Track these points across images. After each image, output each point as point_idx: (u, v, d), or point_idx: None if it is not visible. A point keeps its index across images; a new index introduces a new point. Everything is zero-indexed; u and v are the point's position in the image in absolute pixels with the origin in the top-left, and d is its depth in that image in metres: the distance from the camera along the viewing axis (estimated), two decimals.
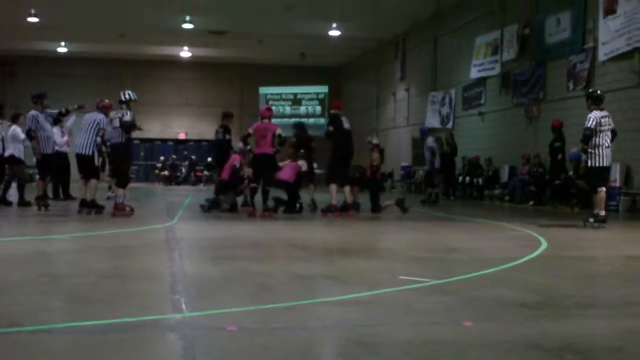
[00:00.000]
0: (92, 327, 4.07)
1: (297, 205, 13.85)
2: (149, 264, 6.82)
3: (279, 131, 12.93)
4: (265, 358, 3.54)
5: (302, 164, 14.21)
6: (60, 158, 15.12)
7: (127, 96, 12.31)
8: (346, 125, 13.53)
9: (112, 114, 12.51)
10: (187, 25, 27.84)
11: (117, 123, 12.12)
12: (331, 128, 13.35)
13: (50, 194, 15.57)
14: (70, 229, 10.46)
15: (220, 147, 14.52)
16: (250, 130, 13.09)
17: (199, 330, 4.10)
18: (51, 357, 3.54)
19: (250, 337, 3.92)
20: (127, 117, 12.04)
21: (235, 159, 13.56)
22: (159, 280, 5.84)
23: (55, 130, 15.03)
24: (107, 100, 12.93)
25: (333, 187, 13.29)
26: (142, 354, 3.61)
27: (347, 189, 13.51)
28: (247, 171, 13.58)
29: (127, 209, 12.14)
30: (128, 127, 12.08)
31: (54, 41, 32.73)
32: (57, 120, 14.78)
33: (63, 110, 14.04)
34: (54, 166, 14.24)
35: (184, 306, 4.73)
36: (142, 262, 6.99)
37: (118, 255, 7.59)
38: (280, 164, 14.52)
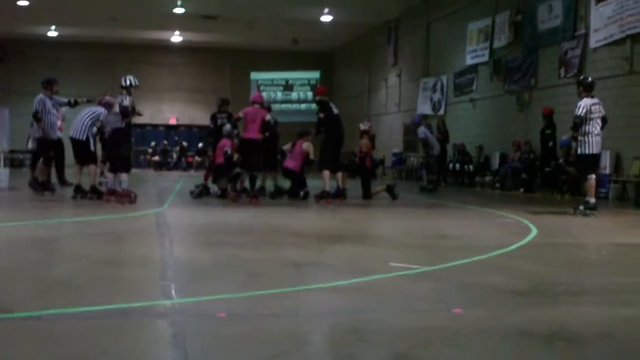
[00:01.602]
0: (82, 313, 4.06)
1: (302, 193, 13.83)
2: (139, 250, 6.81)
3: (268, 117, 13.08)
4: (254, 344, 3.53)
5: (308, 147, 14.20)
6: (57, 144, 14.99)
7: (127, 82, 12.17)
8: (335, 110, 13.60)
9: (112, 99, 12.43)
10: (179, 10, 27.68)
11: (117, 108, 12.02)
12: (322, 115, 13.37)
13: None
14: (61, 214, 10.43)
15: (220, 134, 14.16)
16: (241, 114, 13.15)
17: (188, 316, 4.09)
18: (41, 343, 3.53)
19: (240, 323, 3.92)
20: (126, 102, 11.95)
21: (225, 144, 13.50)
22: (149, 267, 5.84)
23: None
24: (108, 98, 12.92)
25: (326, 173, 13.31)
26: (131, 340, 3.60)
27: (339, 175, 13.50)
28: (236, 156, 13.54)
29: (132, 195, 12.03)
30: (126, 111, 11.96)
31: (45, 25, 32.47)
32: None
33: (72, 101, 13.81)
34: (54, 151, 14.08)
35: (173, 292, 4.73)
36: (133, 248, 6.99)
37: (108, 241, 7.57)
38: (284, 147, 14.61)
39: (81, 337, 3.63)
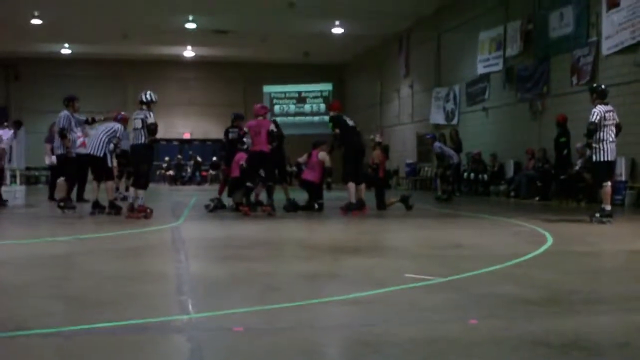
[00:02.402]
0: (99, 329, 4.08)
1: (317, 205, 13.84)
2: (155, 265, 6.84)
3: (272, 127, 13.12)
4: (270, 358, 3.55)
5: (324, 157, 14.23)
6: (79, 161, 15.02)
7: (148, 97, 12.16)
8: (350, 122, 13.63)
9: (127, 114, 12.54)
10: (190, 25, 27.88)
11: (138, 124, 11.97)
12: (337, 130, 13.41)
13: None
14: (76, 230, 10.47)
15: (233, 148, 14.25)
16: (245, 129, 13.38)
17: (205, 331, 4.11)
18: (59, 359, 3.55)
19: (257, 337, 3.94)
20: (151, 119, 11.96)
21: (241, 157, 13.56)
22: (165, 282, 5.86)
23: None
24: (124, 113, 13.09)
25: (351, 185, 13.34)
26: (149, 356, 3.62)
27: (362, 186, 13.52)
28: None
29: (148, 210, 12.11)
30: (154, 129, 11.99)
31: (58, 43, 32.77)
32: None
33: (89, 119, 13.83)
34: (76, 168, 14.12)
35: (190, 307, 4.75)
36: (149, 264, 7.01)
37: (124, 256, 7.61)
38: (300, 159, 14.66)
39: (99, 353, 3.65)
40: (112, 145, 12.86)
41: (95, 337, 3.95)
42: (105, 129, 13.02)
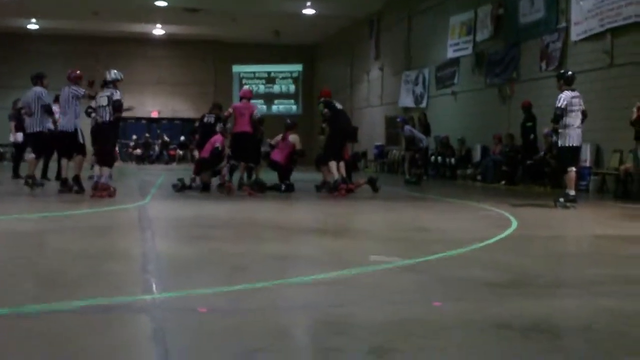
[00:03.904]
0: (63, 308, 4.05)
1: (283, 186, 13.88)
2: (120, 245, 6.80)
3: (256, 112, 13.82)
4: (235, 339, 3.54)
5: (295, 139, 14.38)
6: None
7: (113, 75, 12.03)
8: (339, 106, 14.04)
9: (100, 92, 12.22)
10: (161, 3, 27.59)
11: (104, 101, 11.79)
12: (326, 110, 13.77)
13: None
14: (43, 208, 10.35)
15: (207, 131, 14.51)
16: (230, 110, 13.93)
17: (169, 311, 4.09)
18: (23, 339, 3.51)
19: (221, 318, 3.93)
20: (117, 96, 11.83)
21: (217, 140, 13.59)
22: (130, 261, 5.83)
23: None
24: (78, 71, 12.81)
25: (332, 164, 13.43)
26: (112, 336, 3.59)
27: (341, 164, 13.58)
28: (227, 151, 13.74)
29: (111, 189, 11.97)
30: (120, 106, 11.85)
31: (25, 17, 32.21)
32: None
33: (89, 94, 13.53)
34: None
35: (155, 287, 4.73)
36: (114, 243, 6.96)
37: (89, 235, 7.53)
38: (272, 141, 14.80)
39: (61, 333, 3.61)
40: (78, 109, 12.52)
41: (59, 316, 3.91)
42: (67, 98, 12.50)
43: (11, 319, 3.87)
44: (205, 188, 13.60)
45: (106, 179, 11.95)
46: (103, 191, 11.71)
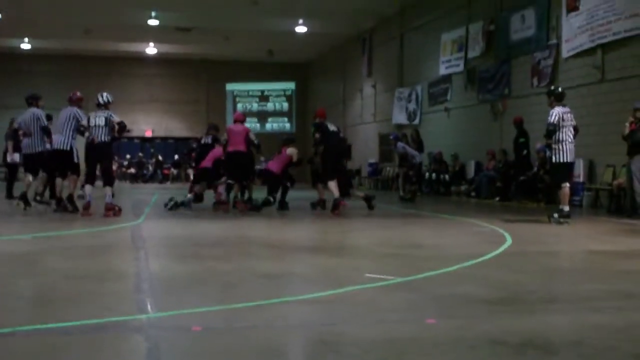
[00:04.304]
0: (56, 328, 4.04)
1: (271, 198, 13.89)
2: (114, 264, 6.79)
3: (251, 134, 13.98)
4: (228, 358, 3.54)
5: (292, 152, 14.46)
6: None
7: (105, 99, 12.20)
8: (332, 128, 14.01)
9: (92, 114, 12.24)
10: (153, 22, 27.66)
11: (101, 122, 11.90)
12: (317, 135, 13.83)
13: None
14: (36, 228, 10.32)
15: (205, 151, 14.59)
16: (226, 136, 13.99)
17: (163, 330, 4.09)
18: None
19: (215, 337, 3.93)
20: (116, 118, 12.05)
21: (218, 152, 13.82)
22: (124, 280, 5.82)
23: None
24: (79, 93, 12.93)
25: (332, 183, 13.46)
26: (106, 356, 3.59)
27: (331, 184, 13.62)
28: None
29: (116, 208, 12.04)
30: (124, 126, 12.19)
31: (17, 37, 32.25)
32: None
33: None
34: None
35: (149, 306, 4.72)
36: (108, 262, 6.95)
37: (84, 255, 7.52)
38: (265, 160, 15.07)
39: (55, 353, 3.61)
40: (79, 133, 12.57)
41: (52, 337, 3.91)
42: (66, 118, 12.67)
43: (4, 338, 3.86)
44: (198, 199, 13.74)
45: (110, 199, 12.00)
46: (109, 211, 11.81)
